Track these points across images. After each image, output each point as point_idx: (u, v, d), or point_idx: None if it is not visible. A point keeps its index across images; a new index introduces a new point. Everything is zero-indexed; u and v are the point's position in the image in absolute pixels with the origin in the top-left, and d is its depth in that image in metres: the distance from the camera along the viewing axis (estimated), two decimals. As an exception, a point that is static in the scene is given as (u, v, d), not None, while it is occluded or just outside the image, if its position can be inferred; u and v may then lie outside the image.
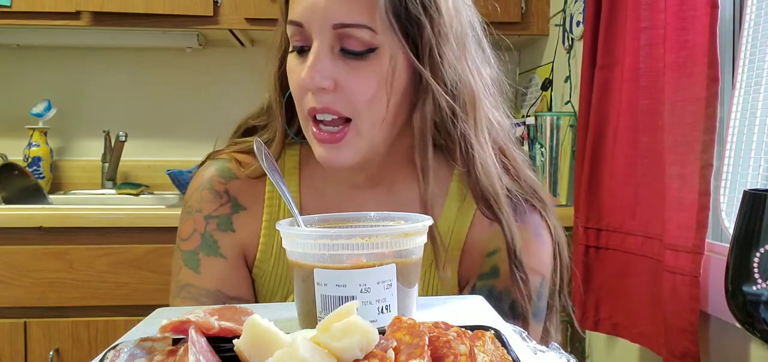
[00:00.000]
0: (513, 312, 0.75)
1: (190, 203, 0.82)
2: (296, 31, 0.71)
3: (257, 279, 0.81)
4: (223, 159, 0.83)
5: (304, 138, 0.78)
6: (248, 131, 0.85)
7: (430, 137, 0.74)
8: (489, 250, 0.78)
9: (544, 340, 0.79)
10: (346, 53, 0.70)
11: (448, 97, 0.72)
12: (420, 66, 0.71)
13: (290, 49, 0.74)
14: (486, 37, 0.81)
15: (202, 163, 0.85)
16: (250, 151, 0.81)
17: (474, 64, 0.77)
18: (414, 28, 0.70)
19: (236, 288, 0.79)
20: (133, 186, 2.15)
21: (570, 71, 1.78)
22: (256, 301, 0.82)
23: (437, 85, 0.71)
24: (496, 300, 0.74)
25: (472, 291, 0.77)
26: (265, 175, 0.79)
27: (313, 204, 0.81)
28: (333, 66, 0.70)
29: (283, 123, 0.79)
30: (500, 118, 0.80)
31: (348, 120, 0.71)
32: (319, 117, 0.71)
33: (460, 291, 0.79)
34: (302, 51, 0.72)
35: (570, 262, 0.83)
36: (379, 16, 0.68)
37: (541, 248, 0.79)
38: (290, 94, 0.77)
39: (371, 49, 0.70)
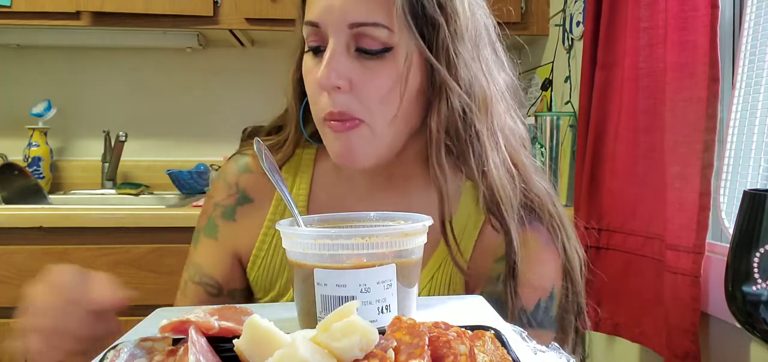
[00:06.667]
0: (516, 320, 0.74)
1: (210, 190, 0.88)
2: (312, 32, 0.72)
3: (252, 273, 0.82)
4: (246, 154, 0.86)
5: (319, 141, 0.78)
6: (269, 134, 0.88)
7: (443, 140, 0.73)
8: (498, 256, 0.76)
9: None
10: (362, 53, 0.70)
11: (461, 99, 0.72)
12: (436, 63, 0.70)
13: (306, 50, 0.74)
14: (500, 41, 0.80)
15: (232, 156, 0.89)
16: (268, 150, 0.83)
17: (488, 66, 0.76)
18: (430, 27, 0.70)
19: (223, 273, 0.82)
20: (133, 186, 2.15)
21: (570, 71, 1.78)
22: (253, 297, 0.84)
23: (452, 85, 0.71)
24: (501, 306, 0.73)
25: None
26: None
27: (323, 202, 0.81)
28: (349, 65, 0.69)
29: (298, 124, 0.81)
30: (513, 124, 0.79)
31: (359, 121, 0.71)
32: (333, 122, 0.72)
33: None
34: (318, 51, 0.72)
35: (582, 285, 0.79)
36: (396, 15, 0.67)
37: (546, 262, 0.77)
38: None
39: (387, 49, 0.70)
